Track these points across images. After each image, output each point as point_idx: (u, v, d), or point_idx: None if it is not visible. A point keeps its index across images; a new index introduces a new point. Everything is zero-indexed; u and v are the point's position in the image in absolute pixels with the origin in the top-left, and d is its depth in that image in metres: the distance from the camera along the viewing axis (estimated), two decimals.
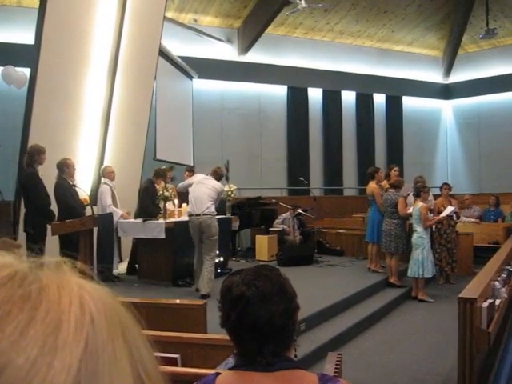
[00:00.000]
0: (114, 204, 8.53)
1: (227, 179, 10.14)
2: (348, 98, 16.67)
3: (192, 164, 12.79)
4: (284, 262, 10.05)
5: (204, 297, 6.75)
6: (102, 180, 8.64)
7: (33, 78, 7.64)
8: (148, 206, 8.49)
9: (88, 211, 7.54)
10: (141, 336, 0.50)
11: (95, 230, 7.37)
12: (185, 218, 8.28)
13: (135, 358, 0.47)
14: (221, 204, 8.47)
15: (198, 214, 7.34)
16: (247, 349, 1.57)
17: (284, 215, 11.87)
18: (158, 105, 11.12)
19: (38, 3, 7.66)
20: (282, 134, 15.73)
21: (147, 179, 9.04)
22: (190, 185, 7.78)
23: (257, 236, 11.30)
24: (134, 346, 0.47)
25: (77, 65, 8.36)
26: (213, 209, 7.47)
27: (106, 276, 7.94)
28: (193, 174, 9.71)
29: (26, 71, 9.06)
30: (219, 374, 1.63)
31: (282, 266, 9.77)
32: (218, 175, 7.86)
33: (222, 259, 8.84)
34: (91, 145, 8.80)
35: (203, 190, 7.52)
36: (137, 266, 8.55)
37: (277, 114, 15.60)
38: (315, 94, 16.14)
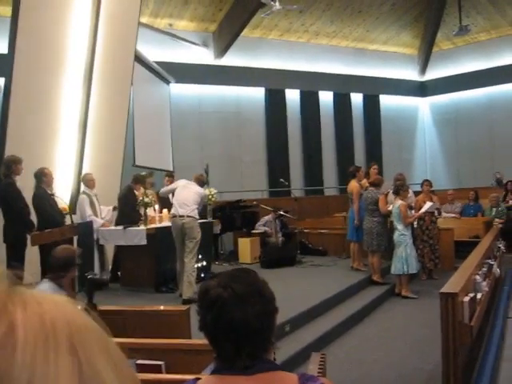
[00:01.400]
0: (95, 212, 8.47)
1: (207, 183, 10.12)
2: (325, 98, 16.75)
3: (171, 169, 12.76)
4: (267, 263, 10.06)
5: (186, 302, 6.72)
6: (82, 188, 8.58)
7: (7, 88, 7.56)
8: (128, 212, 8.45)
9: (67, 220, 7.48)
10: (101, 350, 0.49)
11: (75, 239, 7.31)
12: (166, 223, 8.26)
13: (87, 375, 0.46)
14: (202, 208, 8.46)
15: (182, 216, 7.37)
16: (225, 351, 1.57)
17: (266, 217, 11.87)
18: (136, 111, 11.07)
19: (11, 12, 7.58)
20: (261, 136, 15.76)
21: (126, 186, 8.99)
22: (174, 189, 7.81)
23: (239, 239, 11.30)
24: (88, 361, 0.46)
25: (52, 73, 8.29)
26: (196, 213, 7.52)
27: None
28: (172, 180, 9.72)
29: (0, 81, 8.96)
30: (199, 378, 1.63)
31: (265, 268, 9.79)
32: (200, 182, 7.94)
33: (204, 263, 8.83)
34: (69, 153, 8.73)
35: (188, 193, 7.57)
36: (119, 273, 8.50)
37: (255, 116, 15.62)
38: (293, 95, 16.19)
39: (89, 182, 8.54)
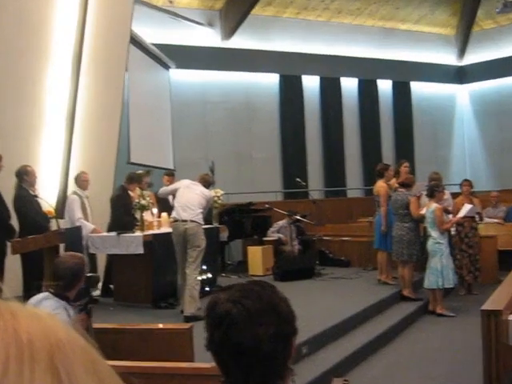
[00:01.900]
0: (85, 217, 8.50)
1: (213, 184, 10.15)
2: (349, 85, 16.74)
3: (172, 167, 12.79)
4: (281, 276, 10.05)
5: (188, 319, 6.73)
6: (73, 188, 8.62)
7: None
8: (122, 216, 8.48)
9: (53, 225, 7.51)
10: (87, 370, 0.49)
11: (62, 246, 7.34)
12: (166, 229, 8.27)
13: None
14: (207, 212, 8.45)
15: (185, 220, 7.37)
16: (233, 377, 1.56)
17: (280, 223, 11.87)
18: (131, 100, 11.11)
19: None
20: (275, 129, 15.76)
21: (119, 186, 9.04)
22: (176, 190, 7.82)
23: (249, 247, 11.30)
24: (71, 382, 0.47)
25: (35, 58, 8.33)
26: (201, 217, 7.53)
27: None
28: (173, 179, 9.75)
29: None
30: None
31: (278, 280, 9.78)
32: (206, 182, 7.96)
33: (209, 275, 8.83)
34: (55, 149, 8.77)
35: (192, 195, 7.57)
36: (112, 286, 8.53)
37: (268, 106, 15.63)
38: (311, 83, 16.20)
39: (83, 182, 8.59)
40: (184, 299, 7.29)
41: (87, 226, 8.39)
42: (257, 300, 1.58)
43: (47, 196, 7.90)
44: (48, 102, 8.60)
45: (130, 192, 8.77)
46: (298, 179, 13.04)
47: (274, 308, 1.59)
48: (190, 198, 7.54)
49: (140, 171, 9.46)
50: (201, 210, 7.54)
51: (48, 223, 7.48)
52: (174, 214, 7.63)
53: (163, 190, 8.50)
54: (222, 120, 14.96)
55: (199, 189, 7.70)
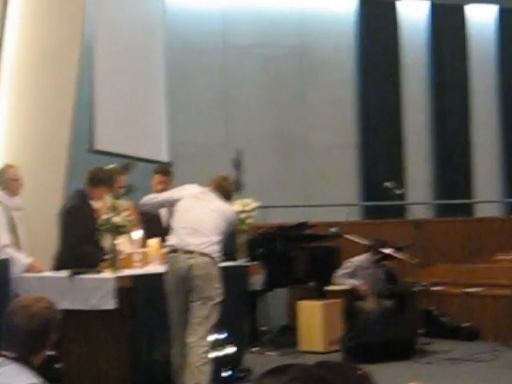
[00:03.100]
0: (16, 242, 8.58)
1: (238, 190, 10.18)
2: (479, 16, 16.71)
3: (166, 159, 12.78)
4: (357, 353, 10.03)
5: None
6: None
7: None
8: (78, 244, 8.54)
9: None
10: None
11: None
12: (155, 267, 8.30)
13: None
14: (227, 238, 8.47)
15: (190, 251, 7.43)
16: None
17: (355, 260, 11.89)
18: (97, 44, 11.15)
19: None
20: (348, 95, 15.73)
21: (76, 191, 9.13)
22: (174, 200, 7.87)
23: (300, 303, 11.36)
24: None
25: None
26: (217, 249, 7.61)
27: None
28: (169, 181, 9.77)
29: None
30: None
31: (353, 360, 9.76)
32: (225, 192, 8.07)
33: (231, 350, 8.85)
34: None
35: (204, 211, 7.69)
36: (59, 366, 8.58)
37: (337, 55, 15.62)
38: (411, 10, 16.19)
39: (10, 182, 8.71)
40: None
41: (19, 260, 8.47)
42: None
43: None
44: None
45: (93, 202, 8.82)
46: (387, 183, 13.02)
47: None
48: (201, 217, 7.59)
49: (112, 166, 9.51)
50: (217, 238, 7.61)
51: None
52: (172, 240, 7.65)
53: (151, 198, 8.52)
54: (256, 79, 14.99)
55: (215, 203, 7.73)
